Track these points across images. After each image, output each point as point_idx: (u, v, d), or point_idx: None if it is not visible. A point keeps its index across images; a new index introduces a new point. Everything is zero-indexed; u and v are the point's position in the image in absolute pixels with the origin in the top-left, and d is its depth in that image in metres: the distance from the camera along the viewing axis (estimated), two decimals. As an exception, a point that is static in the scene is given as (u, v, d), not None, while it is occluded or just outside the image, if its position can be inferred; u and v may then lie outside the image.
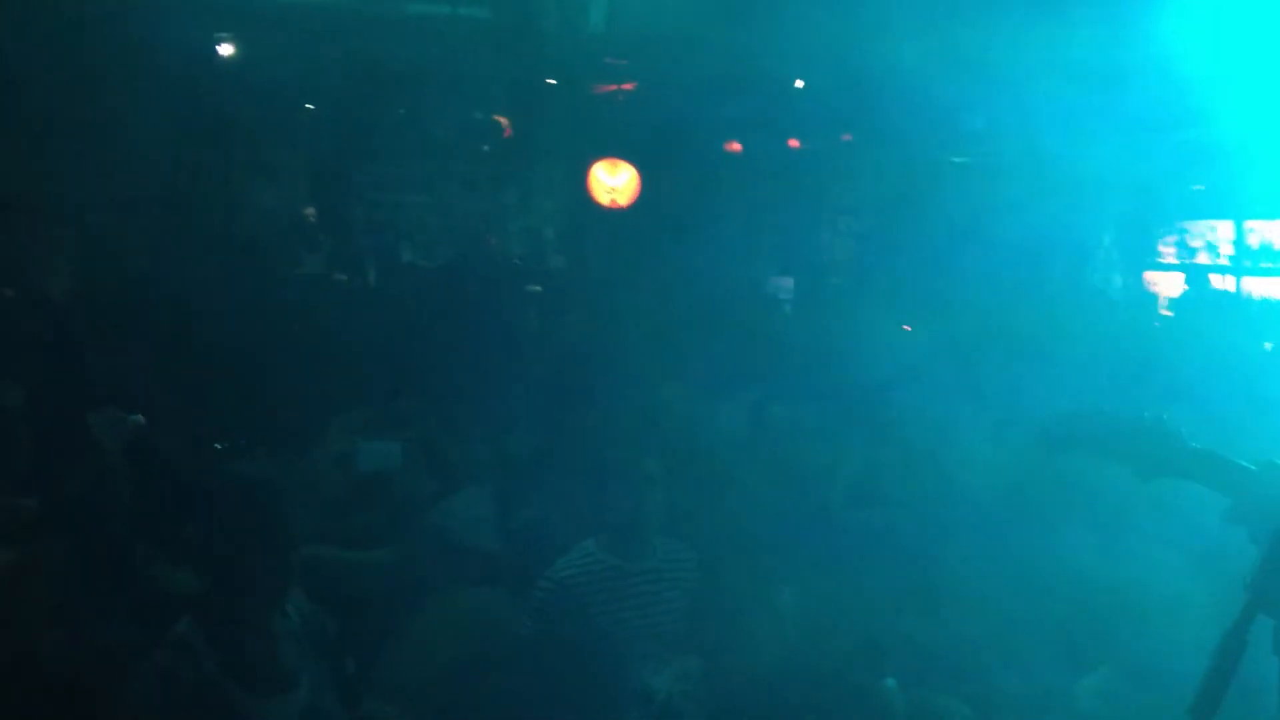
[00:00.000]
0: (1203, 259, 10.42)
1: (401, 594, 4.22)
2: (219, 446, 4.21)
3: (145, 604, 3.41)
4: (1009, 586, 4.38)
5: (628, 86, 11.07)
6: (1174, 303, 9.87)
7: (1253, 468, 2.15)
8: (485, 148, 12.72)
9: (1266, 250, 9.94)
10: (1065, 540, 4.42)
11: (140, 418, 4.45)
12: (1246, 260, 10.08)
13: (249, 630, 3.14)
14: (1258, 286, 9.94)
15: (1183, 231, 10.66)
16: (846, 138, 11.96)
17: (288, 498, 3.37)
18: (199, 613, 3.10)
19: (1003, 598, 4.35)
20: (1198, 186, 10.44)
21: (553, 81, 10.85)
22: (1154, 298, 10.35)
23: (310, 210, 12.68)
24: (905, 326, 7.55)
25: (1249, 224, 10.07)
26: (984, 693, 4.00)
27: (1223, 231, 10.31)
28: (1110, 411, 2.28)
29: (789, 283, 10.55)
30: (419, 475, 4.40)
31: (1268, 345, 7.24)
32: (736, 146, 12.99)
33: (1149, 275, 10.86)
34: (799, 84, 9.83)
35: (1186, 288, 9.99)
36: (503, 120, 12.51)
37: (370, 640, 3.91)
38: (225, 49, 9.58)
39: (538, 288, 9.37)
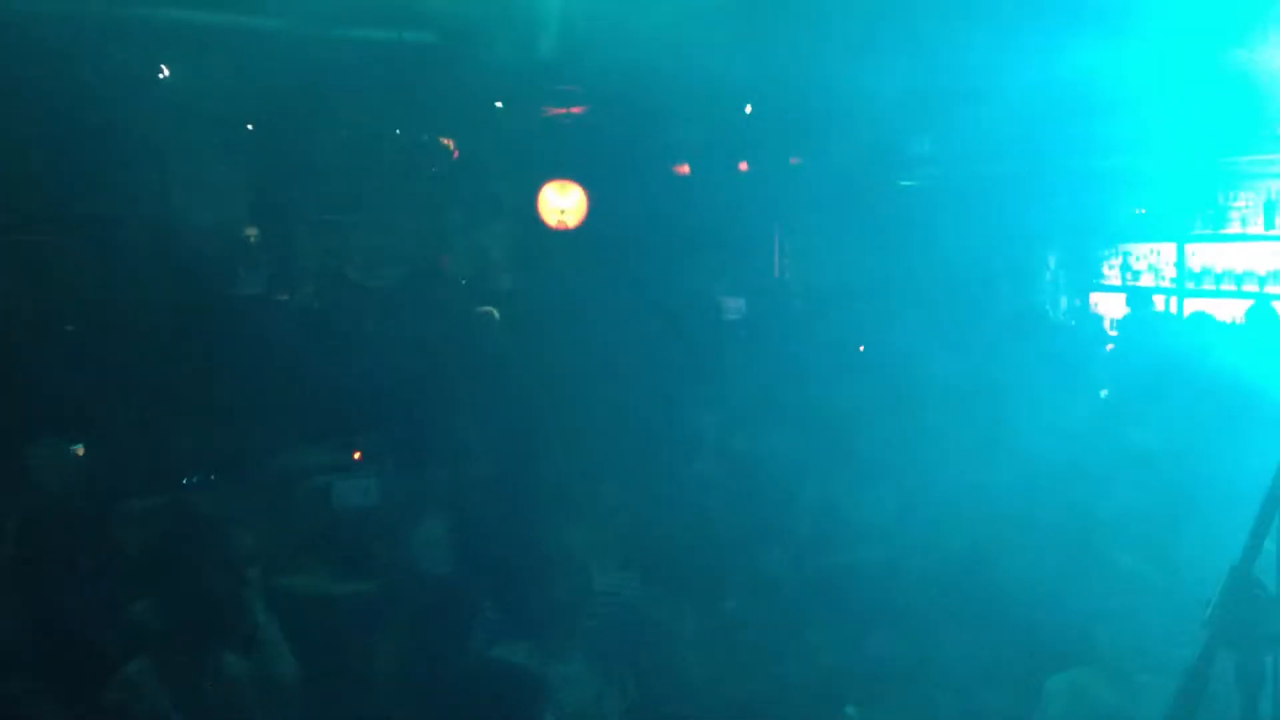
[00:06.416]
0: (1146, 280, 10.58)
1: (380, 624, 4.13)
2: (184, 481, 4.11)
3: (96, 643, 3.27)
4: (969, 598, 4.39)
5: (576, 110, 11.07)
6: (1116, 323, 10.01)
7: None
8: (433, 169, 12.63)
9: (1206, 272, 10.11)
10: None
11: (80, 448, 4.32)
12: (1189, 282, 10.24)
13: (203, 671, 3.01)
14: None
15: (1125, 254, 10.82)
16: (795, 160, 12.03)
17: (239, 532, 3.25)
18: (153, 653, 2.97)
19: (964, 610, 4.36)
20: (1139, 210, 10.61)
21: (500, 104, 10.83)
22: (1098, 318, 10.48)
23: (252, 230, 12.50)
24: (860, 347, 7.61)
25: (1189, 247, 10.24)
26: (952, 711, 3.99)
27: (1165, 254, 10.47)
28: None
29: (740, 302, 10.54)
30: (392, 507, 4.33)
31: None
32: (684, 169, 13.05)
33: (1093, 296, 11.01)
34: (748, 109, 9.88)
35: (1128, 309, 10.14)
36: (449, 142, 12.42)
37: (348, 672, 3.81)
38: (170, 71, 9.44)
39: (487, 309, 9.28)
